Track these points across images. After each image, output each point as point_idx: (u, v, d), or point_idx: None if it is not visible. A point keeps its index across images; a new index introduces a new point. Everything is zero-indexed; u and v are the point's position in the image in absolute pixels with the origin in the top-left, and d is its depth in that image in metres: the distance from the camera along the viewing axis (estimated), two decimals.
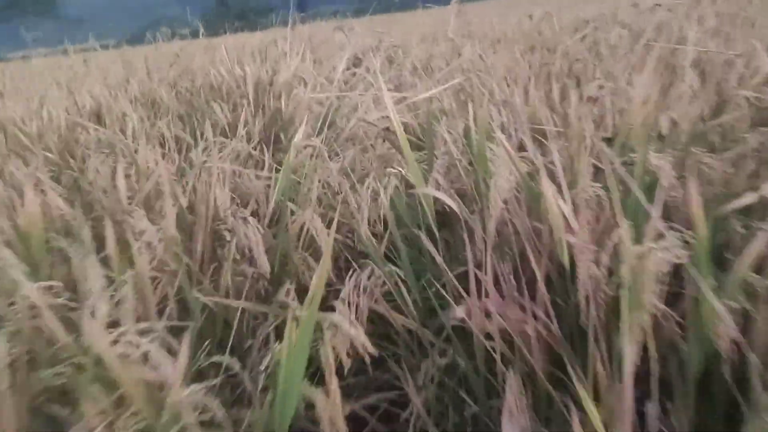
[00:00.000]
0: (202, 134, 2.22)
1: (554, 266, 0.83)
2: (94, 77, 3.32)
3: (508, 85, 2.36)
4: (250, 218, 0.96)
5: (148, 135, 1.97)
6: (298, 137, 1.26)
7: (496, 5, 9.81)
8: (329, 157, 1.76)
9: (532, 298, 0.82)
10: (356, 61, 4.47)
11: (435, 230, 0.94)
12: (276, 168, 2.13)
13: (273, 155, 2.08)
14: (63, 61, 6.62)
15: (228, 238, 1.04)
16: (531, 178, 0.87)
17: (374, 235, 1.08)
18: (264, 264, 0.97)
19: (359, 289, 0.84)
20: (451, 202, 0.86)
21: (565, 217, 0.76)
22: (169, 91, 2.54)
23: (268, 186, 1.32)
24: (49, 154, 1.60)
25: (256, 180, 1.49)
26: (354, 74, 3.11)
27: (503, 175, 0.80)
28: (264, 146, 2.01)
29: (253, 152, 1.99)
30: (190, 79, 2.80)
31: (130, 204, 1.08)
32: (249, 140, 2.19)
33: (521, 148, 1.24)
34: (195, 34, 8.84)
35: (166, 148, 1.75)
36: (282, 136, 2.10)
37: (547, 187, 0.77)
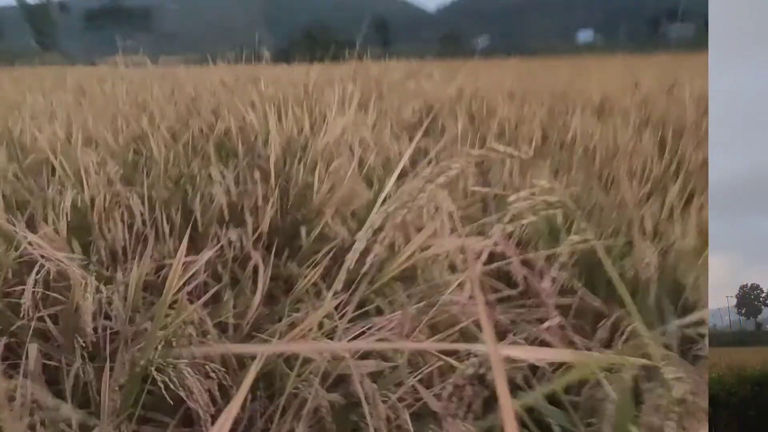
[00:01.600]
0: (189, 214, 1.54)
1: None
2: (110, 103, 2.74)
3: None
4: None
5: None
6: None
7: (591, 64, 9.06)
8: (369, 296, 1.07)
9: None
10: (428, 110, 3.79)
11: None
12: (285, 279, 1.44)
13: (285, 262, 1.38)
14: (115, 73, 6.28)
15: None
16: None
17: None
18: None
19: None
20: None
21: None
22: (173, 137, 1.89)
23: None
24: None
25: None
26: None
27: None
28: (269, 252, 1.31)
29: (253, 254, 1.29)
30: (211, 121, 2.15)
31: None
32: (255, 229, 1.49)
33: None
34: (265, 59, 8.55)
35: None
36: (303, 231, 1.39)
37: None
